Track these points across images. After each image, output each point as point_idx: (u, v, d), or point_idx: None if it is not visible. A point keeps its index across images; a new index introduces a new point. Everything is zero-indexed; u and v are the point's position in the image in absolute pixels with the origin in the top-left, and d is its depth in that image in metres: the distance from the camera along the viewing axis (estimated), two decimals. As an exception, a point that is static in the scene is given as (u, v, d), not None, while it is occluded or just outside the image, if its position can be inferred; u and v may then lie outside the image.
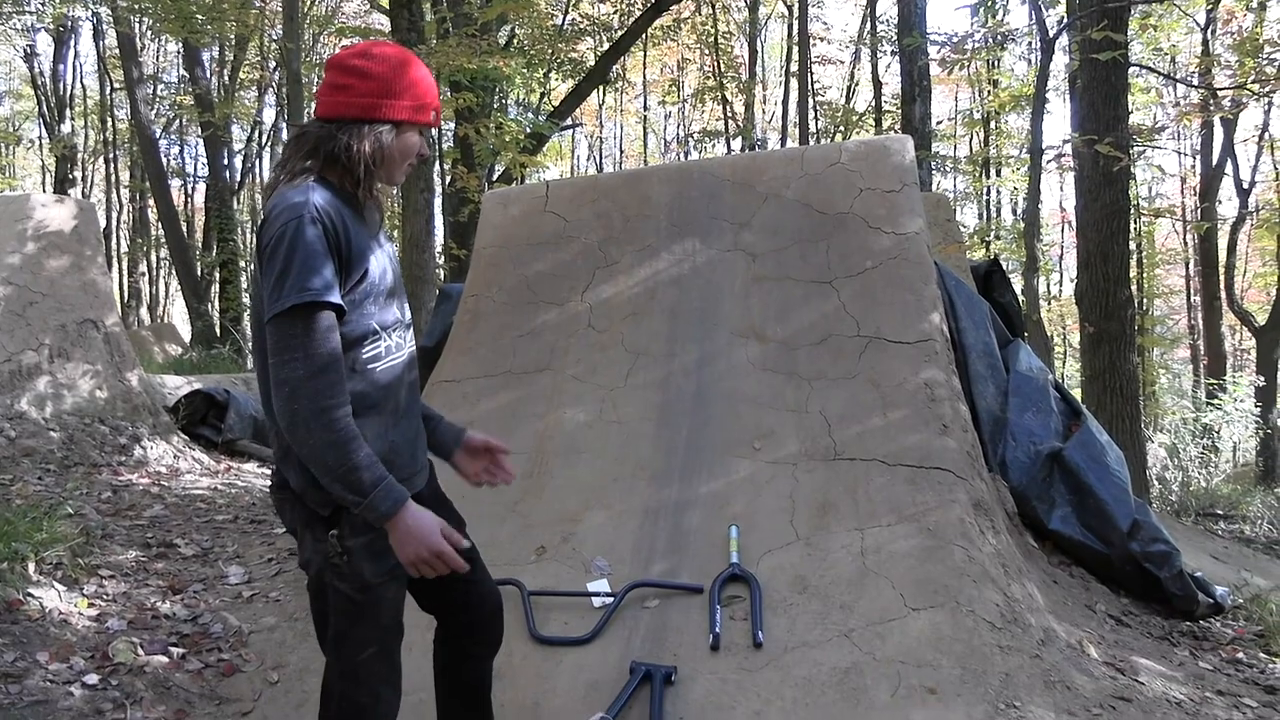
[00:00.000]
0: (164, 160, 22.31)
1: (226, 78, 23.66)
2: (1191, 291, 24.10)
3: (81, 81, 27.42)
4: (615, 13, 19.64)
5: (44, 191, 24.26)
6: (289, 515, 2.21)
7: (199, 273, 20.73)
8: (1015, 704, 2.94)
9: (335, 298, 2.01)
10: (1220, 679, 3.54)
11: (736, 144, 22.63)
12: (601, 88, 22.12)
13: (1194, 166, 21.92)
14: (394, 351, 2.23)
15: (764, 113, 26.44)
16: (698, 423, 4.14)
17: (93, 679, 3.38)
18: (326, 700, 2.25)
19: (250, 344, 2.15)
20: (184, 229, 22.65)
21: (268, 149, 26.99)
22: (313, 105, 2.26)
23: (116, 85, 25.45)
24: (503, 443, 2.54)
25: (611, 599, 3.55)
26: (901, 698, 3.00)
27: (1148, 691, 3.20)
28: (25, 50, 23.82)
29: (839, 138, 21.54)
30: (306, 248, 1.98)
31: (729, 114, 22.76)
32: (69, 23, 22.64)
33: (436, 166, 14.83)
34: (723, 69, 22.17)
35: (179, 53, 23.63)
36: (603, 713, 3.03)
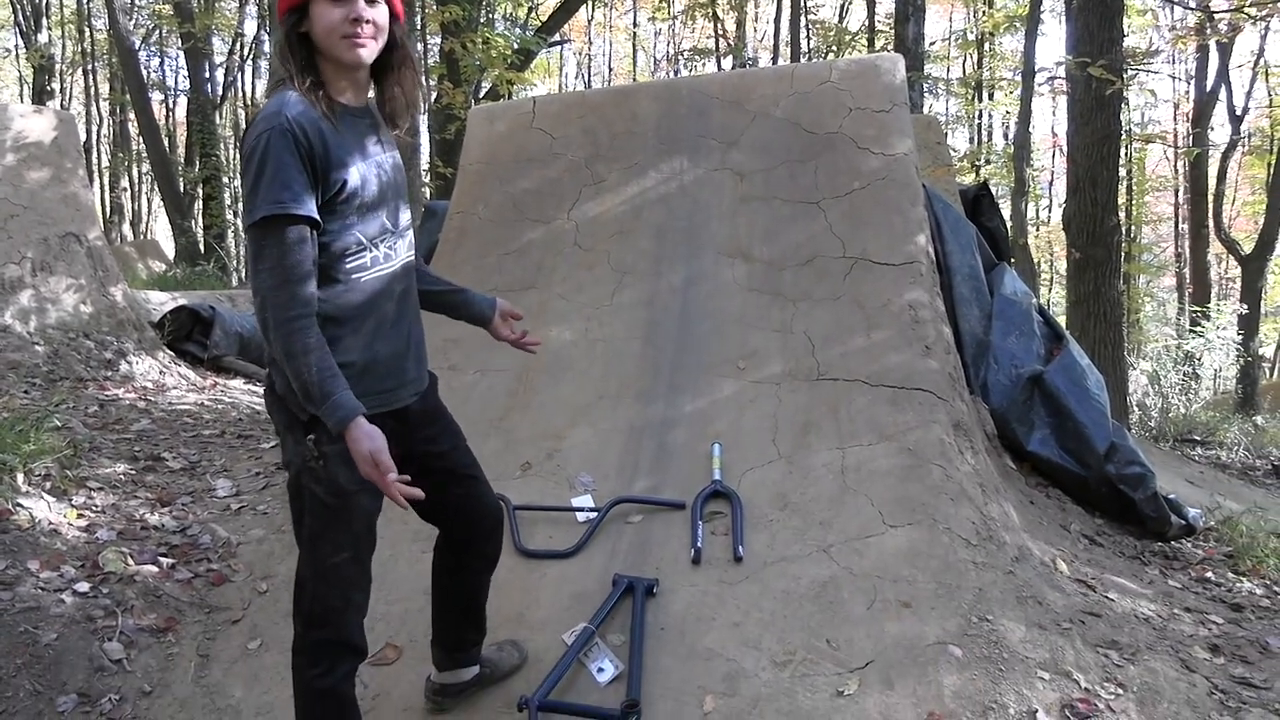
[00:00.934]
0: (144, 73, 21.81)
1: (207, -13, 23.06)
2: (1180, 219, 24.12)
3: (58, -12, 26.72)
4: (606, -75, 19.17)
5: (22, 102, 23.78)
6: (276, 417, 2.25)
7: (182, 188, 20.44)
8: (987, 618, 3.02)
9: (306, 210, 2.03)
10: (1189, 596, 3.64)
11: (727, 63, 22.31)
12: (591, 3, 21.70)
13: (1188, 92, 21.77)
14: (381, 262, 2.23)
15: (755, 31, 26.01)
16: (683, 342, 4.16)
17: (83, 587, 3.43)
18: (299, 595, 2.31)
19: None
20: (166, 144, 22.25)
21: (249, 62, 26.44)
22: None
23: (94, -7, 24.80)
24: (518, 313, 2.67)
25: (595, 514, 3.61)
26: (877, 610, 3.07)
27: (1117, 608, 3.29)
28: (-2, -45, 23.14)
29: (831, 57, 21.22)
30: (277, 160, 2.00)
31: (720, 31, 22.40)
32: (43, -73, 21.97)
33: (422, 81, 14.57)
34: (715, -15, 21.75)
35: (157, -40, 23.05)
36: (586, 623, 3.10)
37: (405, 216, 2.34)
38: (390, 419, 2.24)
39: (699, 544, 3.38)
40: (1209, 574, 4.06)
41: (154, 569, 3.66)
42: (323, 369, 2.03)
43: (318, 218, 2.07)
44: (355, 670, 2.35)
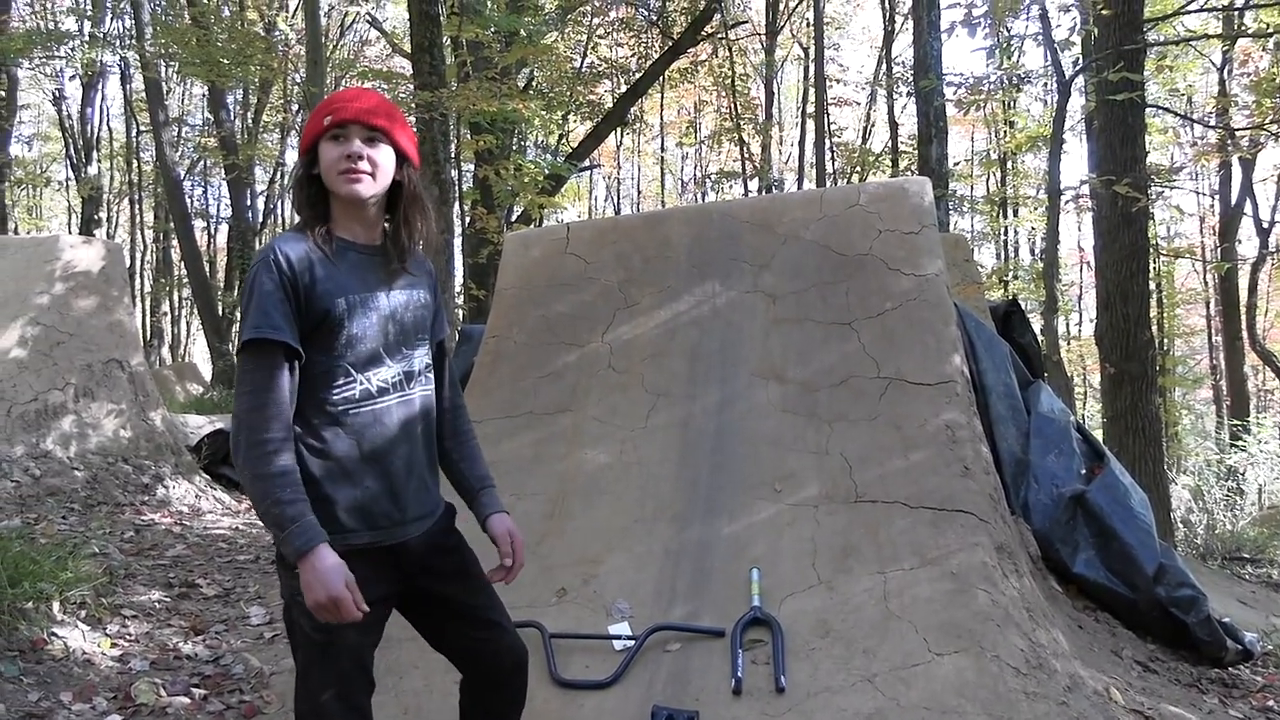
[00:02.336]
0: (188, 201, 22.60)
1: (250, 120, 24.01)
2: (1213, 331, 23.99)
3: (108, 124, 27.88)
4: (633, 55, 19.89)
5: (70, 232, 24.57)
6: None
7: (220, 312, 20.91)
8: (1042, 751, 2.91)
9: (282, 336, 2.08)
10: (1250, 727, 3.49)
11: (753, 185, 22.77)
12: (619, 129, 22.34)
13: (1213, 206, 21.91)
14: (375, 396, 2.22)
15: (781, 153, 26.58)
16: (718, 464, 4.14)
17: (115, 719, 3.39)
18: None
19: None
20: (206, 269, 22.87)
21: (289, 191, 27.23)
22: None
23: (142, 128, 25.85)
24: (511, 552, 2.46)
25: (633, 642, 3.54)
26: (926, 744, 2.97)
27: (1176, 739, 3.16)
28: (54, 94, 24.26)
29: (856, 178, 21.65)
30: (261, 290, 2.10)
31: (746, 155, 22.91)
32: (97, 67, 23.04)
33: (456, 207, 14.98)
34: (740, 110, 22.35)
35: (204, 96, 24.06)
36: (624, 757, 3.01)
37: (418, 353, 2.34)
38: (387, 554, 2.22)
39: (739, 674, 3.30)
40: (1271, 702, 3.90)
41: (186, 700, 3.61)
42: (283, 494, 2.02)
43: (296, 346, 2.11)
44: None
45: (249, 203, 22.17)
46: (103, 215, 25.94)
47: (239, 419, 2.07)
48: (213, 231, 29.61)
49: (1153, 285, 16.79)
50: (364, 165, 2.18)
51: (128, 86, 25.11)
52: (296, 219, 2.30)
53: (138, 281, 27.96)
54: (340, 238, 2.23)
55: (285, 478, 2.04)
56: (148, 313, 29.14)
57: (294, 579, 2.09)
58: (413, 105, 12.21)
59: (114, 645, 4.03)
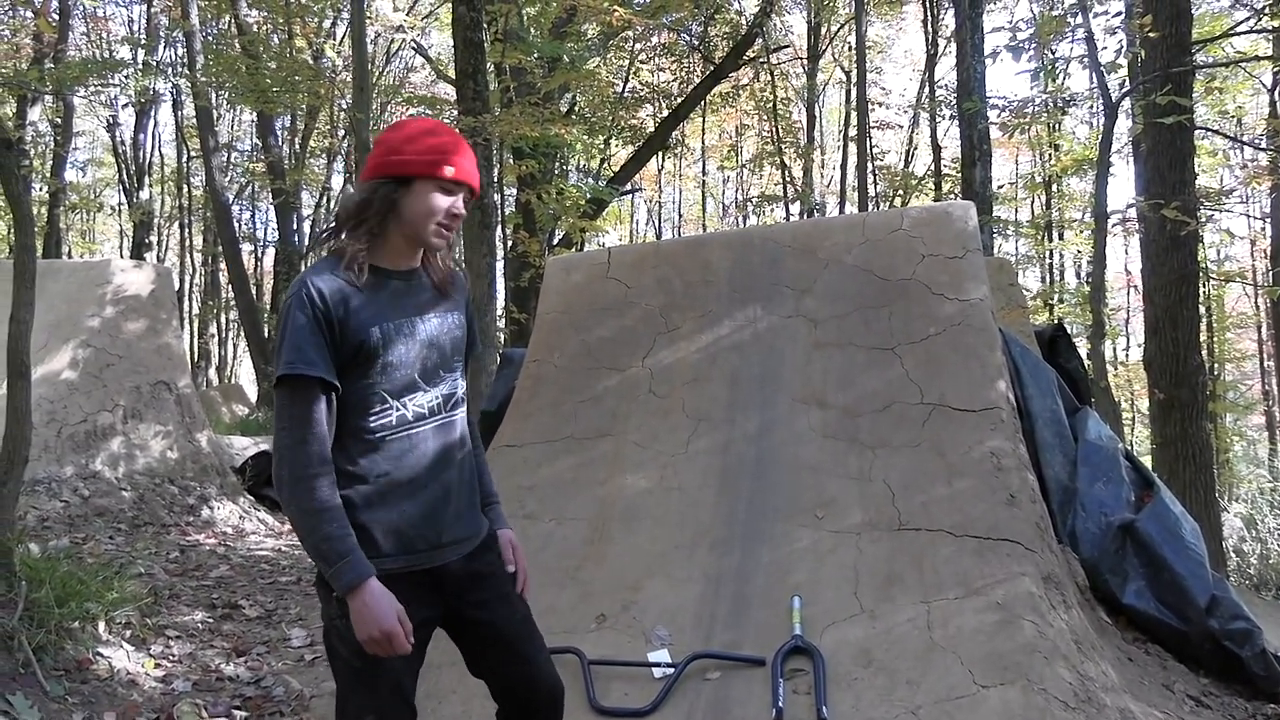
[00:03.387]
0: (236, 225, 22.97)
1: (298, 146, 24.38)
2: (1264, 356, 23.51)
3: (160, 150, 28.44)
4: (675, 80, 19.98)
5: (121, 256, 25.10)
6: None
7: (266, 334, 21.16)
8: (1091, 788, 2.84)
9: (317, 371, 2.10)
10: (1309, 766, 3.39)
11: (795, 208, 22.72)
12: (661, 153, 22.43)
13: (1264, 229, 21.50)
14: (410, 421, 2.23)
15: (823, 177, 26.55)
16: (759, 490, 4.11)
17: (158, 741, 3.41)
18: None
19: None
20: (253, 292, 23.21)
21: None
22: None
23: (193, 153, 26.33)
24: (514, 560, 2.48)
25: (672, 669, 3.51)
26: (972, 779, 2.91)
27: (1232, 778, 3.07)
28: (108, 121, 24.79)
29: (898, 202, 21.51)
30: (294, 325, 2.11)
31: (787, 178, 22.88)
32: (150, 94, 23.55)
33: (498, 231, 15.11)
34: (781, 134, 22.34)
35: (253, 122, 24.46)
36: (663, 787, 2.98)
37: (452, 376, 2.35)
38: (426, 576, 2.23)
39: (780, 704, 3.26)
40: (1328, 739, 3.78)
41: (228, 722, 3.63)
42: (332, 530, 2.06)
43: (331, 380, 2.12)
44: None
45: (295, 227, 22.42)
46: (153, 239, 26.41)
47: (280, 454, 2.09)
48: (260, 255, 30.04)
49: (1203, 309, 16.51)
50: (458, 224, 2.26)
51: (179, 113, 25.63)
52: (332, 240, 2.27)
53: (186, 304, 28.41)
54: (377, 266, 2.24)
55: (331, 512, 2.07)
56: (195, 335, 29.60)
57: (334, 605, 2.11)
58: (457, 130, 12.35)
59: (158, 666, 4.07)
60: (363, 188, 2.23)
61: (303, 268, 23.99)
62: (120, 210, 28.78)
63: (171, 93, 23.75)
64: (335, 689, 2.23)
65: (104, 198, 30.35)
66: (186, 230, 29.58)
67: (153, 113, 25.52)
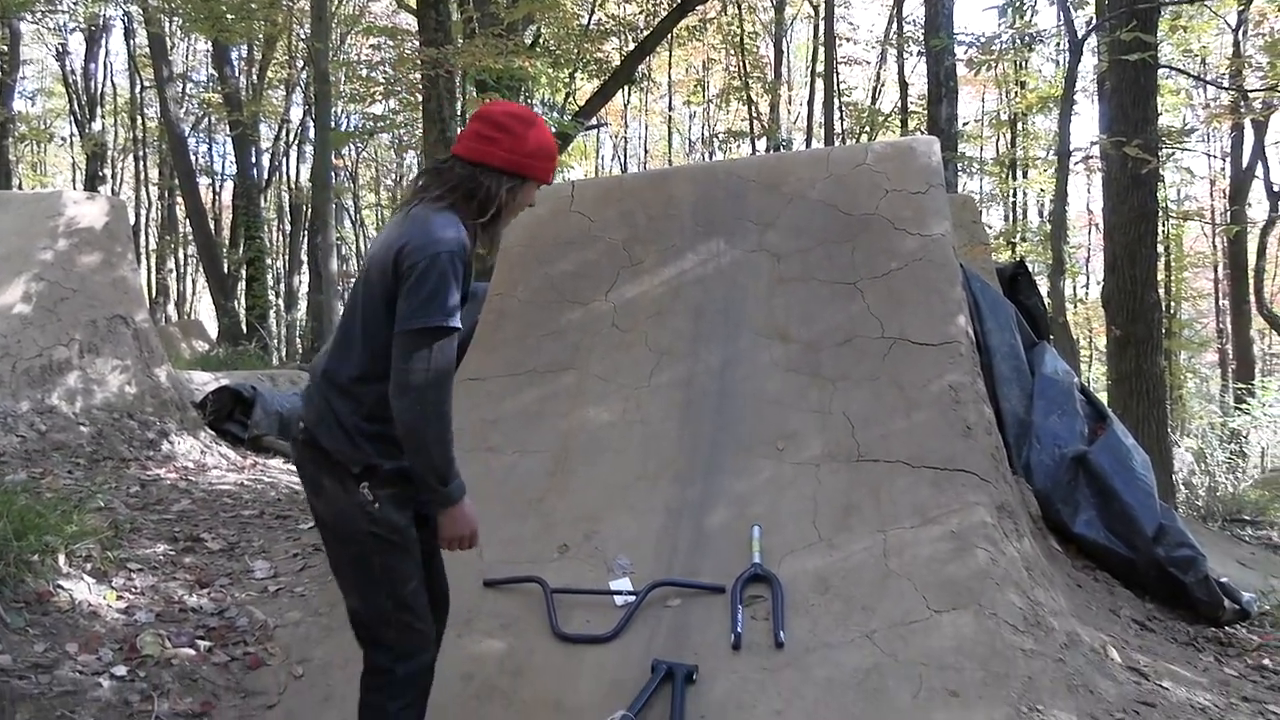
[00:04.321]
0: (192, 158, 22.50)
1: (255, 76, 23.81)
2: (1220, 295, 23.88)
3: (112, 80, 27.72)
4: (641, 13, 19.64)
5: (74, 189, 24.52)
6: (310, 469, 2.53)
7: (225, 270, 20.89)
8: (1038, 707, 2.93)
9: (458, 324, 2.42)
10: (1246, 685, 3.52)
11: (761, 144, 22.60)
12: (627, 88, 22.15)
13: (1224, 169, 21.73)
14: None
15: (789, 113, 26.37)
16: (721, 423, 4.15)
17: (121, 670, 3.42)
18: (382, 634, 2.52)
19: (339, 329, 2.42)
20: (211, 226, 22.80)
21: (295, 148, 27.15)
22: (451, 144, 2.58)
23: (146, 84, 25.68)
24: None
25: (633, 597, 3.57)
26: (923, 700, 3.00)
27: (1172, 697, 3.19)
28: (57, 49, 24.09)
29: (864, 138, 21.44)
30: (450, 280, 2.37)
31: (754, 114, 22.73)
32: (100, 22, 22.87)
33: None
34: (748, 69, 22.14)
35: (208, 52, 23.87)
36: (624, 710, 3.04)
37: None
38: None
39: (739, 629, 3.33)
40: (1266, 661, 3.93)
41: (191, 652, 3.65)
42: (452, 455, 2.43)
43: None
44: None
45: (254, 159, 22.06)
46: (107, 171, 25.84)
47: (422, 391, 2.33)
48: (218, 188, 29.52)
49: (1161, 248, 16.67)
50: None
51: (131, 42, 24.93)
52: (433, 195, 2.49)
53: (142, 238, 27.92)
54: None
55: (452, 442, 2.42)
56: (153, 270, 29.13)
57: (359, 495, 2.45)
58: (418, 62, 12.11)
59: (119, 598, 4.06)
60: (491, 176, 2.49)
61: (263, 201, 23.65)
62: (72, 141, 28.10)
63: (123, 20, 23.09)
64: (367, 573, 2.49)
65: (55, 129, 29.58)
66: (142, 163, 28.97)
67: (103, 40, 24.86)
